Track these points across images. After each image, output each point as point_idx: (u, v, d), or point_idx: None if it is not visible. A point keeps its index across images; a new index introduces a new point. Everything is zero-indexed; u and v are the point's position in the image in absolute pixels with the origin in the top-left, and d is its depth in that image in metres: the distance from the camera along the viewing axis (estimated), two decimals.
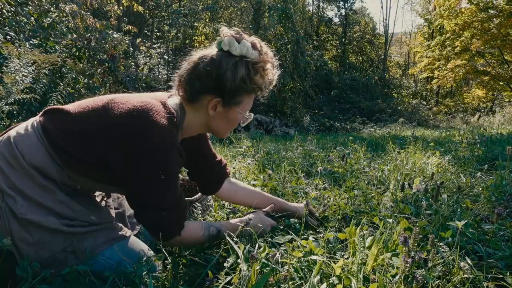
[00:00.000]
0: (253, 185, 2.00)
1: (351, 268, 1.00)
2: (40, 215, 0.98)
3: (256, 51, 1.07)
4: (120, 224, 1.15)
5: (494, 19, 12.11)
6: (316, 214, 1.50)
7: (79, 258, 1.02)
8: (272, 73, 1.13)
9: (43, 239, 0.98)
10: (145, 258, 1.04)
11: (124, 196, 1.38)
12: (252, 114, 1.19)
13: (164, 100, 1.09)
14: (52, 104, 3.85)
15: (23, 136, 1.02)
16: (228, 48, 1.05)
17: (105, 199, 1.25)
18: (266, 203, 1.47)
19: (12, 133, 1.04)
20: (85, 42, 5.66)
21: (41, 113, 1.08)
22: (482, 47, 12.93)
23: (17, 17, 4.67)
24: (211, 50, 1.09)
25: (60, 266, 1.00)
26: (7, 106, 3.16)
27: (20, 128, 1.06)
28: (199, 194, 1.55)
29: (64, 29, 5.36)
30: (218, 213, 1.62)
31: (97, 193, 1.23)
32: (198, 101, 1.10)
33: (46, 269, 0.98)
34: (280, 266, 1.02)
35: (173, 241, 1.10)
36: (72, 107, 1.06)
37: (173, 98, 1.15)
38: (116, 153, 0.98)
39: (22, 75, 3.51)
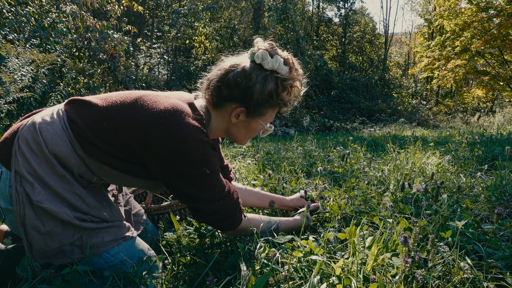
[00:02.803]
0: (253, 185, 2.00)
1: (351, 268, 1.00)
2: (56, 205, 0.98)
3: (287, 67, 1.09)
4: (128, 224, 1.16)
5: (494, 19, 12.11)
6: (313, 203, 1.62)
7: (85, 253, 1.03)
8: (299, 90, 1.15)
9: (54, 230, 0.99)
10: (146, 258, 1.05)
11: (132, 195, 1.40)
12: (273, 126, 1.21)
13: (192, 102, 1.11)
14: (51, 104, 3.85)
15: (49, 124, 1.02)
16: (260, 61, 1.06)
17: (115, 193, 1.26)
18: (265, 200, 1.56)
19: (37, 119, 1.04)
20: (85, 42, 5.67)
21: (66, 102, 1.08)
22: (482, 47, 12.93)
23: (17, 17, 4.67)
24: (243, 60, 1.10)
25: (65, 259, 1.01)
26: (6, 105, 3.16)
27: (46, 115, 1.05)
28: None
29: (64, 29, 5.36)
30: None
31: (109, 188, 1.24)
32: (223, 107, 1.12)
33: (50, 259, 1.00)
34: (280, 266, 1.02)
35: (239, 229, 1.15)
36: (99, 100, 1.06)
37: (199, 100, 1.17)
38: (151, 154, 0.99)
39: (21, 74, 3.51)
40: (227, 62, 1.11)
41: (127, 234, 1.11)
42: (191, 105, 1.09)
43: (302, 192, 1.65)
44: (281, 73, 1.08)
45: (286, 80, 1.09)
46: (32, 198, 0.95)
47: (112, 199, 1.23)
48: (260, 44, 1.09)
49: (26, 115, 1.12)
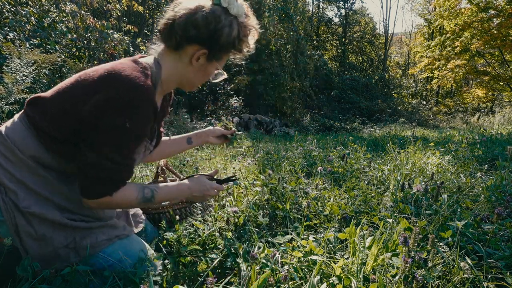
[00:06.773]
0: (253, 185, 2.00)
1: (351, 268, 1.00)
2: (42, 207, 0.98)
3: (245, 14, 1.10)
4: (123, 222, 1.15)
5: (494, 19, 12.10)
6: (230, 127, 1.58)
7: (81, 255, 1.03)
8: (254, 39, 1.15)
9: (46, 234, 0.99)
10: (145, 258, 1.04)
11: None
12: (225, 73, 1.19)
13: (135, 59, 1.08)
14: None
15: (10, 128, 1.03)
16: (227, 5, 1.06)
17: None
18: (182, 143, 1.51)
19: (1, 128, 1.06)
20: (85, 42, 5.66)
21: (25, 104, 1.09)
22: (482, 47, 12.93)
23: (17, 17, 4.67)
24: (205, 2, 1.07)
25: (62, 263, 1.01)
26: (7, 106, 3.17)
27: (8, 122, 1.07)
28: None
29: (64, 29, 5.35)
30: (218, 212, 1.62)
31: None
32: (183, 49, 1.08)
33: (49, 265, 0.99)
34: (280, 266, 1.02)
35: (101, 201, 1.00)
36: (49, 92, 1.06)
37: (145, 58, 1.13)
38: (89, 109, 0.95)
39: (23, 74, 3.51)
40: (188, 3, 1.07)
41: (122, 232, 1.11)
42: (135, 60, 1.05)
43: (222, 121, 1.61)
44: (241, 19, 1.08)
45: (246, 26, 1.09)
46: (19, 205, 0.96)
47: None
48: None
49: None
